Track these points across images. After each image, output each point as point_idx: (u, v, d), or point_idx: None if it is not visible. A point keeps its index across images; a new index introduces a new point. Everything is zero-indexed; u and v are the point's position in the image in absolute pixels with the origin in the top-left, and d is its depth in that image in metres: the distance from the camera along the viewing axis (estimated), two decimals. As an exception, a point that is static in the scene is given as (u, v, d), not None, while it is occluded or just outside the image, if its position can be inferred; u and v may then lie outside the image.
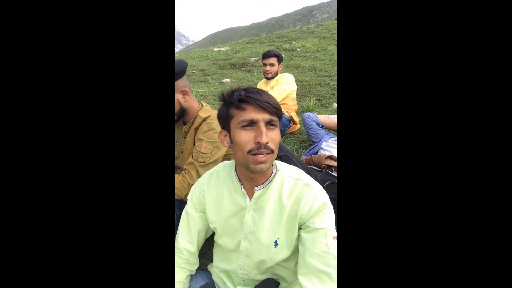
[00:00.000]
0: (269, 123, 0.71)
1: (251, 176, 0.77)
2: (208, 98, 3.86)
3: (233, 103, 0.72)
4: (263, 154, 0.70)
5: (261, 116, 0.70)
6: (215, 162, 1.24)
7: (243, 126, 0.71)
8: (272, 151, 0.71)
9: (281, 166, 0.83)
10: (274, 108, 0.71)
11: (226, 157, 1.33)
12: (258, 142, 0.69)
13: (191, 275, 0.94)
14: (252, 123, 0.71)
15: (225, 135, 0.78)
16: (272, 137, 0.71)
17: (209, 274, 0.98)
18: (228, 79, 4.78)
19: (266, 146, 0.69)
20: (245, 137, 0.71)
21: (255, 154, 0.70)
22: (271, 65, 2.72)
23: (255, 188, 0.79)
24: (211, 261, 1.00)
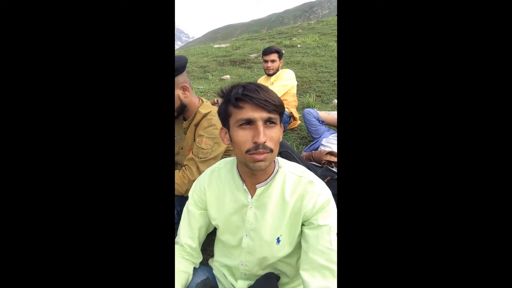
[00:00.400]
0: (268, 121, 0.70)
1: (253, 173, 0.76)
2: (208, 94, 3.85)
3: (230, 101, 0.71)
4: (261, 154, 0.69)
5: (259, 115, 0.68)
6: (215, 158, 1.24)
7: (241, 125, 0.70)
8: (271, 150, 0.70)
9: (283, 163, 0.82)
10: (273, 106, 0.69)
11: (226, 153, 1.34)
12: (255, 142, 0.68)
13: (194, 268, 0.94)
14: (249, 122, 0.69)
15: (225, 133, 0.77)
16: (271, 135, 0.70)
17: (210, 269, 0.98)
18: (228, 76, 4.77)
19: (264, 145, 0.68)
20: (243, 137, 0.69)
21: (253, 154, 0.69)
22: (273, 61, 2.70)
23: (257, 186, 0.79)
24: (211, 256, 1.01)
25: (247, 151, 0.69)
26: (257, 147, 0.68)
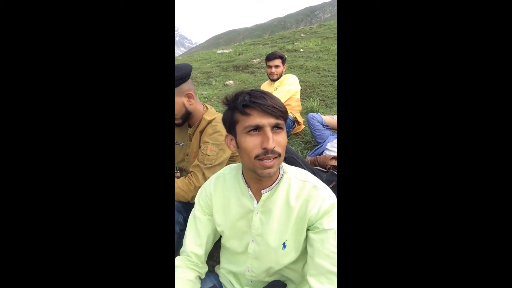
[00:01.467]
0: (275, 127, 0.71)
1: (259, 179, 0.77)
2: (212, 100, 3.88)
3: (237, 108, 0.72)
4: (270, 159, 0.70)
5: (267, 121, 0.69)
6: (221, 164, 1.25)
7: (249, 131, 0.71)
8: (279, 155, 0.71)
9: (287, 168, 0.83)
10: (279, 112, 0.70)
11: (231, 160, 1.35)
12: (264, 148, 0.69)
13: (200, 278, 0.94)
14: (257, 128, 0.70)
15: (231, 139, 0.77)
16: (278, 140, 0.70)
17: (216, 276, 0.98)
18: (231, 81, 4.80)
19: (273, 150, 0.69)
20: (251, 143, 0.70)
21: (262, 159, 0.70)
22: (276, 66, 2.72)
23: (263, 191, 0.79)
24: (218, 262, 1.01)
25: (256, 157, 0.70)
26: (266, 152, 0.69)
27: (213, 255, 1.25)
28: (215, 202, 0.87)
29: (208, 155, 1.23)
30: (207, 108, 1.36)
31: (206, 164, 1.22)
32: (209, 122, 1.29)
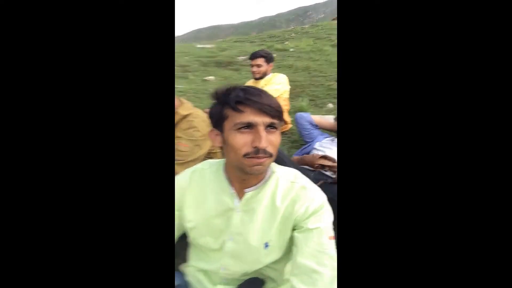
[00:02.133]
0: (269, 126, 0.72)
1: (244, 178, 0.77)
2: (188, 94, 3.87)
3: (229, 103, 0.72)
4: (261, 158, 0.70)
5: (261, 120, 0.70)
6: (195, 161, 1.25)
7: (239, 129, 0.71)
8: (271, 155, 0.72)
9: (276, 168, 0.84)
10: (276, 112, 0.71)
11: (208, 156, 1.36)
12: (255, 147, 0.69)
13: None
14: (249, 126, 0.71)
15: (217, 135, 0.77)
16: (271, 140, 0.72)
17: (180, 274, 0.97)
18: (212, 77, 4.82)
19: (265, 151, 0.70)
20: (241, 140, 0.71)
21: (252, 158, 0.70)
22: (258, 66, 2.79)
23: (246, 190, 0.80)
24: (184, 261, 0.99)
25: (245, 155, 0.70)
26: (257, 151, 0.69)
27: (180, 253, 1.22)
28: (188, 197, 0.87)
29: (180, 151, 1.23)
30: (181, 102, 1.36)
31: (177, 160, 1.22)
32: (184, 116, 1.29)
